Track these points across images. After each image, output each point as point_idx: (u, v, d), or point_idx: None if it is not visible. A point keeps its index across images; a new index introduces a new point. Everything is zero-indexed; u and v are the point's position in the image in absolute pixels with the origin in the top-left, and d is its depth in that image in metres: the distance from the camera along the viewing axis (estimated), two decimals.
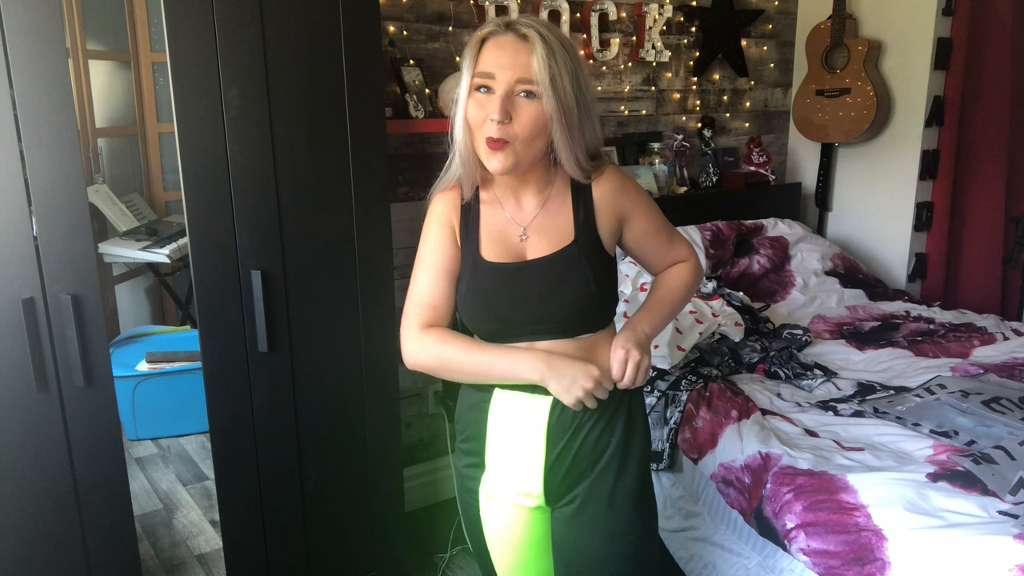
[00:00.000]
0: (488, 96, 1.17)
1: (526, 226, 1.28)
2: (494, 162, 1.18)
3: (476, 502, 1.36)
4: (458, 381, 1.33)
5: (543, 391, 1.26)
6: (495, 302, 1.26)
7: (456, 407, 1.40)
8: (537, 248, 1.26)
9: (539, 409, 1.27)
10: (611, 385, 1.25)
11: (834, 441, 1.87)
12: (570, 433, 1.27)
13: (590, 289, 1.24)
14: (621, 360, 1.24)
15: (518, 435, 1.28)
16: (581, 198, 1.28)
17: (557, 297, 1.24)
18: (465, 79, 1.19)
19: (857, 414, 2.01)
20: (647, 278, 2.53)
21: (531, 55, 1.14)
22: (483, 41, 1.19)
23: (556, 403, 1.26)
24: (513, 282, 1.25)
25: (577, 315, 1.25)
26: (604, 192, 1.28)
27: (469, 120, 1.19)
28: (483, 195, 1.30)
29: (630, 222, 1.32)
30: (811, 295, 2.93)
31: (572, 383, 1.20)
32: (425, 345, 1.25)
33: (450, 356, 1.24)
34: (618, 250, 1.38)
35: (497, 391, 1.29)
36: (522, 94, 1.16)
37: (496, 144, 1.16)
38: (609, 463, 1.28)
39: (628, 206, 1.31)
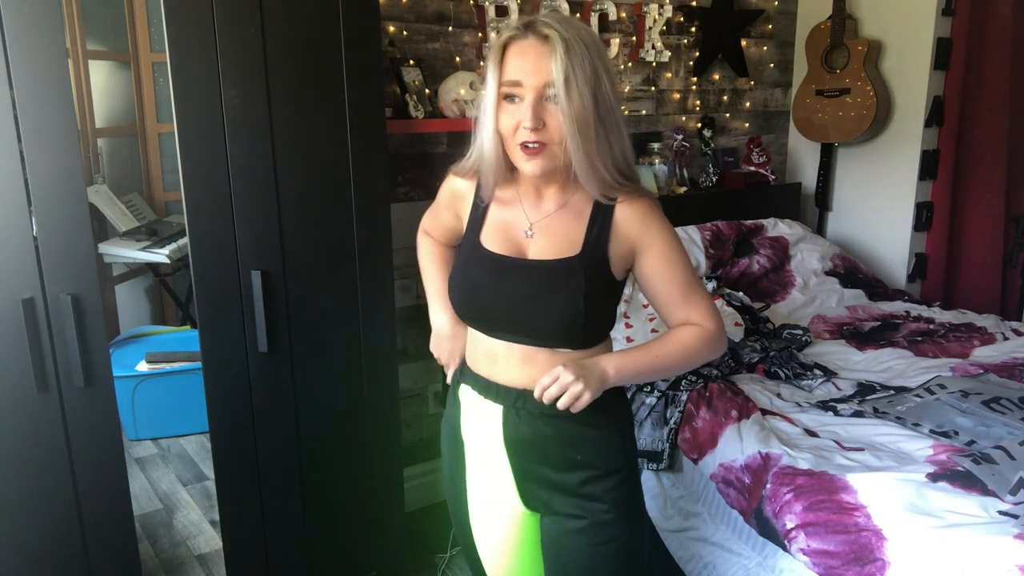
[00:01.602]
0: (517, 105, 1.15)
1: (535, 222, 1.25)
2: (531, 166, 1.17)
3: (464, 502, 1.37)
4: None
5: (494, 397, 1.26)
6: (481, 296, 1.25)
7: (446, 399, 1.42)
8: (539, 249, 1.24)
9: (494, 416, 1.27)
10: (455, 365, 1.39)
11: (834, 441, 1.87)
12: (529, 446, 1.26)
13: (577, 308, 1.19)
14: (549, 378, 1.17)
15: (484, 443, 1.29)
16: (601, 213, 1.23)
17: (541, 307, 1.21)
18: (492, 87, 1.16)
19: (857, 414, 2.01)
20: None
21: (551, 57, 1.11)
22: (505, 46, 1.15)
23: (507, 412, 1.25)
24: (503, 279, 1.23)
25: (557, 330, 1.21)
26: (625, 215, 1.22)
27: (501, 130, 1.17)
28: (499, 192, 1.28)
29: (642, 256, 1.24)
30: (811, 295, 2.93)
31: (439, 347, 1.44)
32: (419, 243, 1.54)
33: (421, 263, 1.53)
34: None
35: (462, 387, 1.33)
36: (548, 98, 1.13)
37: (533, 150, 1.15)
38: (583, 476, 1.26)
39: (645, 240, 1.23)
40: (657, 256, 1.23)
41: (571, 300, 1.19)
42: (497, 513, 1.33)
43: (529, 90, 1.13)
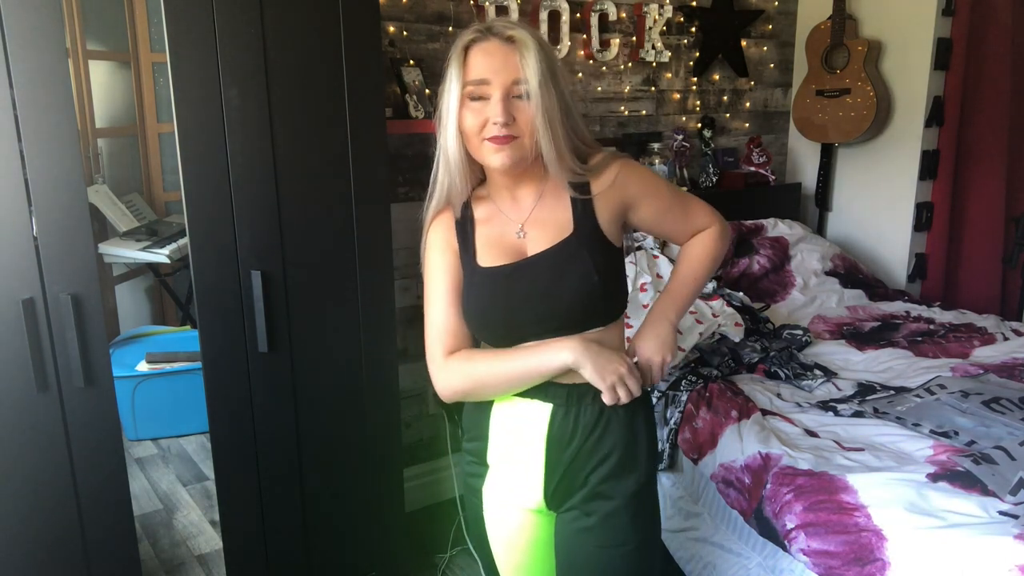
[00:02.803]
0: (483, 103, 1.17)
1: (524, 222, 1.26)
2: (499, 157, 1.18)
3: (480, 502, 1.36)
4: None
5: (542, 397, 1.25)
6: (493, 308, 1.24)
7: (464, 405, 1.39)
8: (536, 243, 1.25)
9: (539, 416, 1.25)
10: (640, 378, 1.24)
11: (834, 441, 1.87)
12: (568, 442, 1.26)
13: (592, 280, 1.21)
14: (659, 367, 1.28)
15: (518, 441, 1.28)
16: (578, 189, 1.26)
17: (558, 293, 1.22)
18: (454, 88, 1.19)
19: (857, 414, 2.01)
20: (647, 278, 2.53)
21: (520, 57, 1.15)
22: (467, 48, 1.19)
23: (556, 411, 1.25)
24: (509, 285, 1.24)
25: (581, 309, 1.23)
26: (600, 184, 1.26)
27: (465, 129, 1.19)
28: (477, 212, 1.29)
29: (635, 210, 1.29)
30: (811, 295, 2.93)
31: (606, 366, 1.18)
32: (454, 370, 1.25)
33: (481, 371, 1.24)
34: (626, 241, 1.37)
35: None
36: (516, 96, 1.17)
37: (502, 140, 1.17)
38: (605, 475, 1.26)
39: (627, 197, 1.28)
40: (648, 201, 1.30)
41: (584, 275, 1.21)
42: (513, 510, 1.33)
43: (497, 88, 1.16)
